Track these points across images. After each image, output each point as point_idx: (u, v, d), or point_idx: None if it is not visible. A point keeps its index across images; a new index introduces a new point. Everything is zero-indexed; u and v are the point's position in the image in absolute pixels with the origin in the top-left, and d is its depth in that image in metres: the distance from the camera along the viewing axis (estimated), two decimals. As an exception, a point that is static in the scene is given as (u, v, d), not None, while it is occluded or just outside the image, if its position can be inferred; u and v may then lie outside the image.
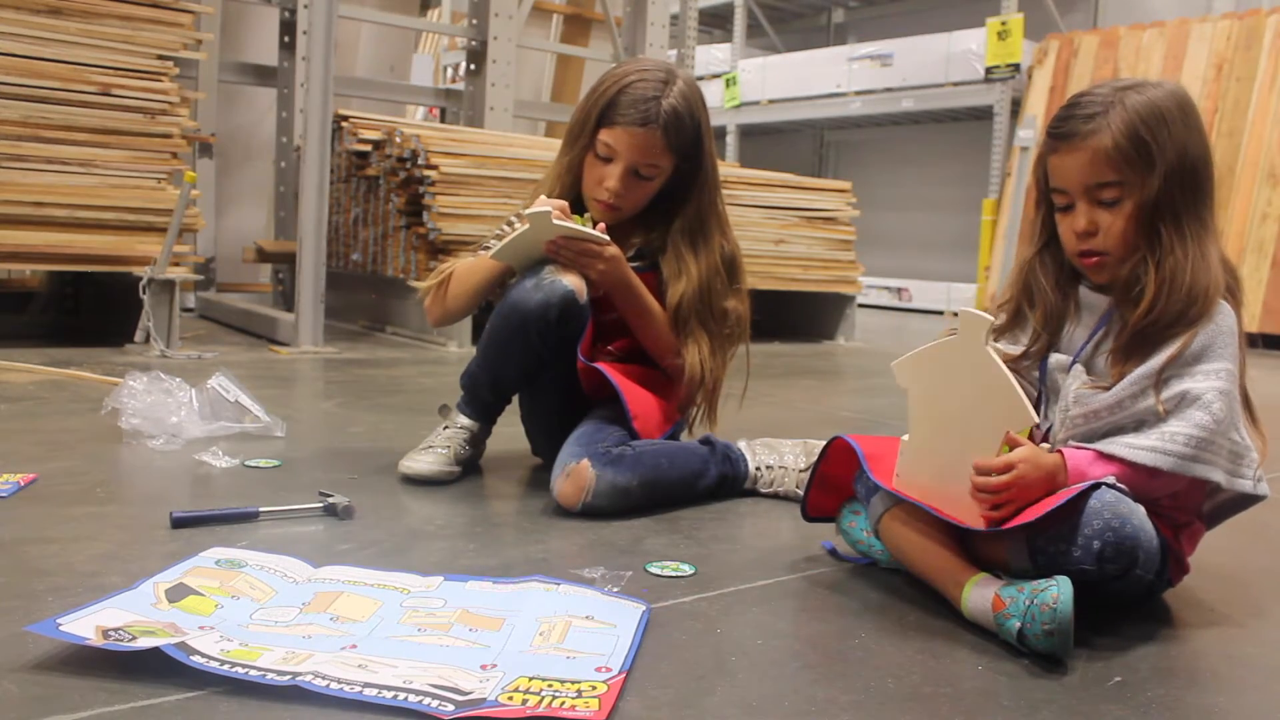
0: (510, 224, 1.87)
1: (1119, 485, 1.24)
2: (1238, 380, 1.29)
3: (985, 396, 1.25)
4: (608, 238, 1.74)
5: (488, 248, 1.86)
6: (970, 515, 1.28)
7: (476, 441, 1.92)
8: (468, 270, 1.88)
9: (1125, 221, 1.30)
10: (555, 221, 1.70)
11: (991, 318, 1.26)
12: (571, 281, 1.72)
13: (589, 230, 1.72)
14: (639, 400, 1.82)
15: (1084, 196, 1.31)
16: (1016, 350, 1.41)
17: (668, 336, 1.85)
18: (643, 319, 1.84)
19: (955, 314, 1.30)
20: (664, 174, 1.83)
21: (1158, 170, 1.27)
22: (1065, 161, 1.31)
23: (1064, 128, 1.31)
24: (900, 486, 1.33)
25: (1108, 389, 1.30)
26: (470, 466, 1.93)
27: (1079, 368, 1.35)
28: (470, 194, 4.08)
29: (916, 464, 1.33)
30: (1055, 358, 1.38)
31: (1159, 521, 1.27)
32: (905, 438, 1.35)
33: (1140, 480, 1.25)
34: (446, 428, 1.91)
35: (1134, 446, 1.25)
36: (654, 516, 1.69)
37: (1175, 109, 1.29)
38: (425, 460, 1.84)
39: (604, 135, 1.78)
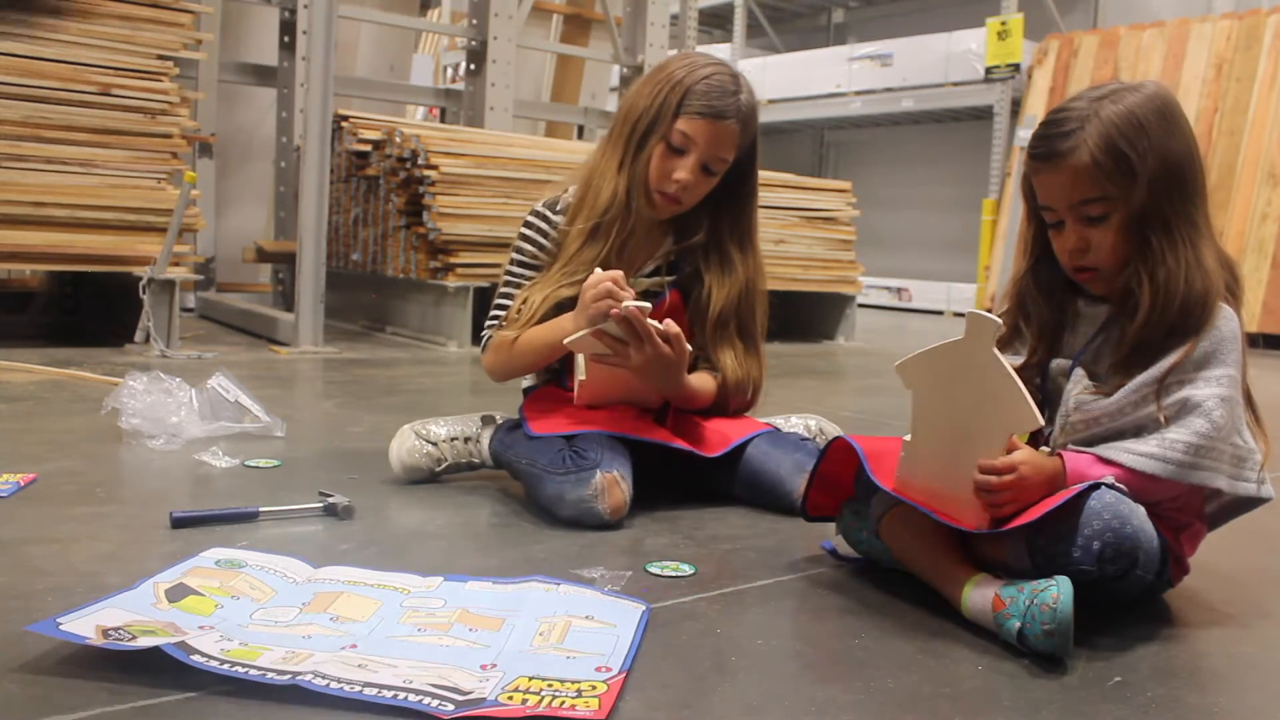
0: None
1: (1119, 485, 1.24)
2: (1240, 384, 1.28)
3: (991, 398, 1.25)
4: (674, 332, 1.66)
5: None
6: (970, 517, 1.28)
7: (480, 467, 1.92)
8: (530, 345, 1.77)
9: (1114, 235, 1.29)
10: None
11: (999, 320, 1.25)
12: (608, 508, 1.60)
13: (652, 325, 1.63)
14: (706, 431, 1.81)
15: (1070, 214, 1.31)
16: (1017, 361, 1.41)
17: (712, 398, 1.82)
18: (689, 401, 1.81)
19: (958, 315, 1.30)
20: (725, 169, 1.77)
21: (1140, 180, 1.26)
22: (1048, 181, 1.31)
23: (1043, 148, 1.30)
24: (900, 487, 1.33)
25: (1108, 395, 1.30)
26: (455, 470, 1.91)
27: (1079, 372, 1.34)
28: (470, 194, 4.08)
29: (918, 465, 1.33)
30: (1056, 362, 1.38)
31: (1159, 523, 1.27)
32: (907, 438, 1.35)
33: (1139, 485, 1.25)
34: (468, 440, 1.89)
35: (1133, 452, 1.25)
36: (654, 516, 1.69)
37: (1153, 114, 1.27)
38: (416, 450, 1.84)
39: (682, 125, 1.70)
